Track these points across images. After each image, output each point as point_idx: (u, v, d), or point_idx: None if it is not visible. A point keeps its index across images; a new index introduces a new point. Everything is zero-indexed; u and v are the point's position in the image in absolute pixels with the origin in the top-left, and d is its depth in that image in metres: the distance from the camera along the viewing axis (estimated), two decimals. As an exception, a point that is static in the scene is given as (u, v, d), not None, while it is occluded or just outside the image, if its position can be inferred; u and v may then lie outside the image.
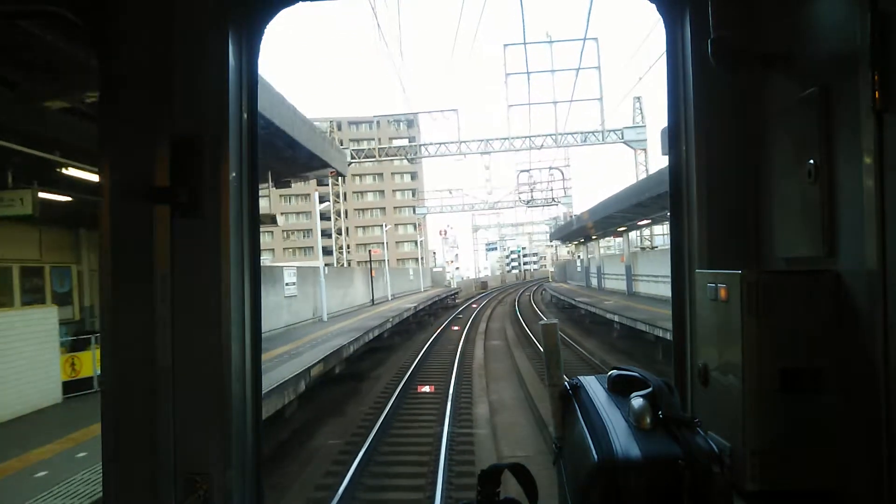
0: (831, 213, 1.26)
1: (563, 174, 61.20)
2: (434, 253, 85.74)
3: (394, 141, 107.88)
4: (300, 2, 1.67)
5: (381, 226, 48.77)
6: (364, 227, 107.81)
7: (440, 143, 36.82)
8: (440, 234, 67.02)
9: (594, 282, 43.14)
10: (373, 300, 36.46)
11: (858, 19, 1.11)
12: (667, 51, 1.70)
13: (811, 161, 1.30)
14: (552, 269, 66.47)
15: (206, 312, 1.50)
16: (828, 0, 1.27)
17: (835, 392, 1.24)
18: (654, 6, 1.70)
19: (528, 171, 60.46)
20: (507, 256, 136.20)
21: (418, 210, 60.24)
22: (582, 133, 35.87)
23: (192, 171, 1.49)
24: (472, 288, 71.66)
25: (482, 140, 37.26)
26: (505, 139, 36.75)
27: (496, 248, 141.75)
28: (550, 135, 36.03)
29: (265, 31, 1.65)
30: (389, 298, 40.22)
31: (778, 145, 1.46)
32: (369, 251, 44.87)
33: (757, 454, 1.28)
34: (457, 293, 56.84)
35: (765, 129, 1.53)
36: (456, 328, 32.37)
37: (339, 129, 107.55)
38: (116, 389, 1.51)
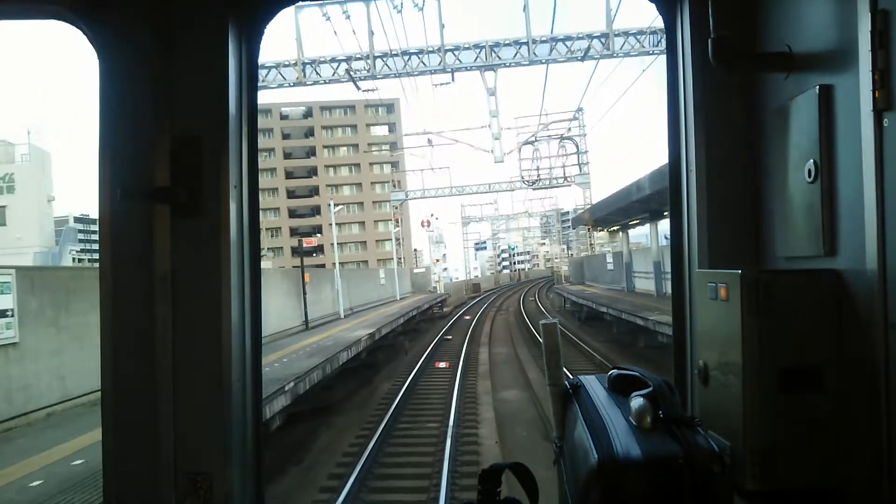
0: (831, 213, 1.27)
1: (577, 146, 43.88)
2: (416, 251, 69.51)
3: (372, 129, 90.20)
4: (300, 1, 1.68)
5: (332, 212, 32.30)
6: (339, 225, 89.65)
7: (412, 54, 20.39)
8: (422, 224, 50.97)
9: (643, 284, 26.34)
10: (306, 324, 19.82)
11: (858, 19, 1.13)
12: (667, 50, 1.71)
13: (811, 161, 1.31)
14: (566, 268, 50.35)
15: (206, 312, 1.51)
16: (828, 0, 1.29)
17: (835, 392, 1.26)
18: (653, 6, 1.71)
19: (532, 142, 43.04)
20: (499, 255, 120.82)
21: (394, 195, 44.18)
22: (653, 30, 19.37)
23: (192, 171, 1.49)
24: (462, 292, 55.55)
25: (482, 46, 20.73)
26: (521, 44, 20.14)
27: (485, 248, 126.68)
28: (598, 36, 19.47)
29: (265, 30, 1.65)
30: (342, 316, 23.99)
31: (778, 145, 1.47)
32: (300, 241, 28.48)
33: (757, 453, 1.28)
34: (444, 300, 40.35)
35: (765, 129, 1.54)
36: (443, 364, 20.92)
37: (311, 114, 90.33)
38: (116, 389, 1.50)
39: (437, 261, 53.57)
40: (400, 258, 61.32)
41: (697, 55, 1.57)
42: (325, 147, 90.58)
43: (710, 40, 1.42)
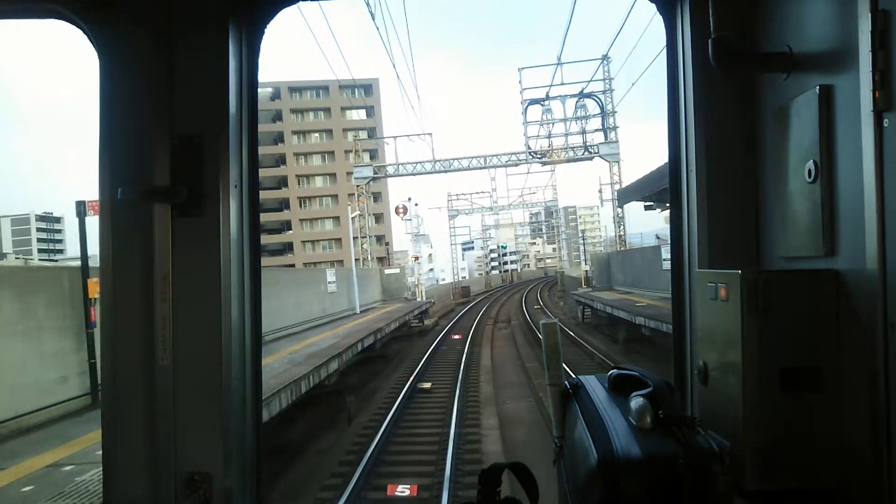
0: (831, 213, 1.29)
1: (601, 105, 30.67)
2: (387, 245, 56.53)
3: (348, 113, 76.66)
4: (300, 1, 1.66)
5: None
6: (311, 221, 76.43)
7: None
8: (397, 211, 38.02)
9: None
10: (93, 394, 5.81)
11: (858, 20, 1.16)
12: (667, 51, 1.70)
13: (811, 161, 1.32)
14: (588, 267, 37.52)
15: (206, 312, 1.50)
16: (828, 0, 1.31)
17: (834, 392, 1.27)
18: (654, 6, 1.71)
19: (542, 101, 30.16)
20: (488, 255, 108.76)
21: (357, 172, 31.24)
22: None
23: (192, 171, 1.49)
24: (449, 297, 42.83)
25: None
26: None
27: (473, 248, 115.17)
28: None
29: (265, 30, 1.64)
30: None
31: (778, 145, 1.48)
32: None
33: (757, 453, 1.28)
34: (427, 310, 27.52)
35: (765, 129, 1.54)
36: (404, 490, 9.01)
37: (279, 97, 76.27)
38: (116, 389, 1.51)
39: (416, 258, 40.78)
40: (382, 257, 48.41)
41: (697, 55, 1.58)
42: (294, 133, 77.85)
43: (710, 40, 1.43)
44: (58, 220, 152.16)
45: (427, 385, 16.79)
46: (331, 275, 25.88)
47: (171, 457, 1.46)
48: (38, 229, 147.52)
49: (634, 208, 32.47)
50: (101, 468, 1.51)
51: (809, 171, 1.31)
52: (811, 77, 1.32)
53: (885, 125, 1.09)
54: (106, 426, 1.50)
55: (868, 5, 1.10)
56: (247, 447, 1.57)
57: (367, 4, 18.37)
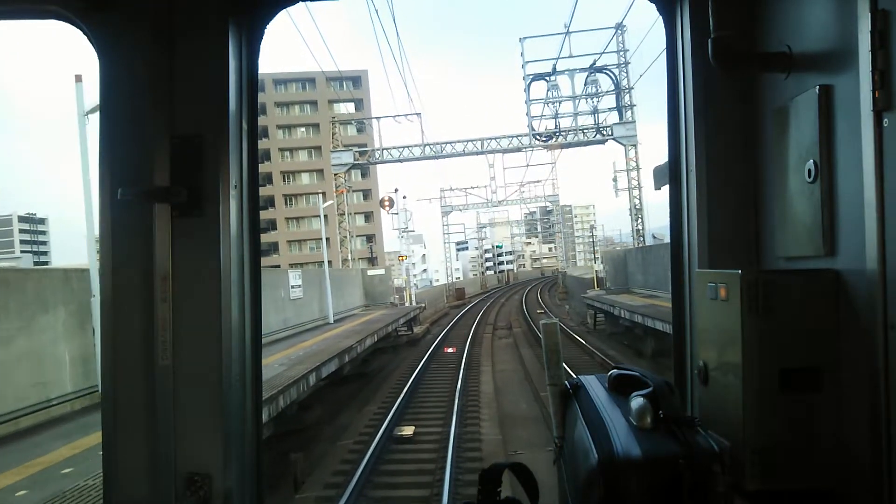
0: (831, 213, 1.30)
1: (615, 80, 25.42)
2: (372, 244, 51.79)
3: (335, 106, 71.45)
4: (301, 1, 1.66)
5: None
6: (297, 219, 71.96)
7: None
8: (382, 204, 33.38)
9: None
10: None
11: (858, 19, 1.17)
12: (666, 50, 1.69)
13: (811, 161, 1.34)
14: (601, 267, 32.79)
15: (206, 312, 1.50)
16: (827, 0, 1.33)
17: (835, 392, 1.29)
18: (653, 6, 1.71)
19: (548, 76, 24.41)
20: (482, 255, 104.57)
21: (336, 159, 26.44)
22: None
23: (192, 171, 1.50)
24: (442, 299, 38.00)
25: None
26: None
27: (467, 248, 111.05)
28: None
29: (265, 30, 1.66)
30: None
31: (778, 145, 1.48)
32: None
33: (757, 453, 1.29)
34: (416, 316, 22.19)
35: (765, 129, 1.55)
36: None
37: (262, 89, 69.82)
38: (116, 389, 1.52)
39: (404, 257, 35.97)
40: (372, 257, 43.81)
41: (697, 55, 1.57)
42: (279, 127, 73.03)
43: (710, 40, 1.43)
44: (42, 221, 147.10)
45: (408, 431, 12.10)
46: (294, 277, 21.13)
47: (171, 457, 1.46)
48: (21, 231, 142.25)
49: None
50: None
51: (809, 171, 1.31)
52: (811, 77, 1.32)
53: (885, 125, 1.09)
54: (106, 426, 1.50)
55: (868, 5, 1.11)
56: (247, 447, 1.57)
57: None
